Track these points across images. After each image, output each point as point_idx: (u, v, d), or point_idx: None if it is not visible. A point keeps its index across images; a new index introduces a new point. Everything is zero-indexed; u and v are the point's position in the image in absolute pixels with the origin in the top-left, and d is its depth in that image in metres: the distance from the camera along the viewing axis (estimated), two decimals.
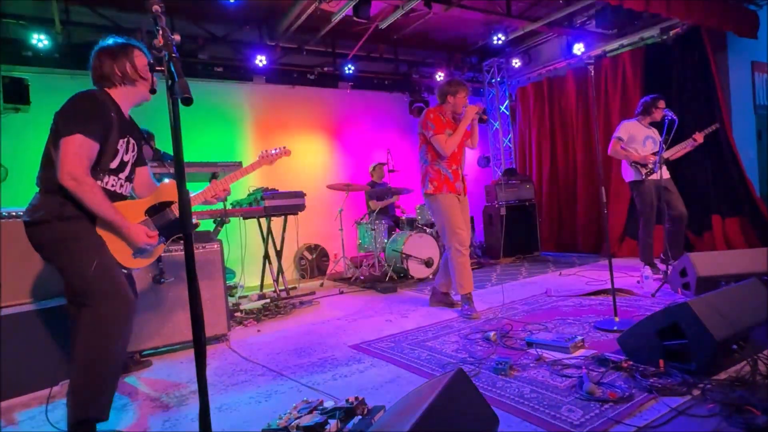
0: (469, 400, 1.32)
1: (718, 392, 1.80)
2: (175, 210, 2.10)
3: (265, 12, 5.52)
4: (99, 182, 1.86)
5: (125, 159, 1.98)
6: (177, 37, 1.21)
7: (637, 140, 4.27)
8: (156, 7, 1.26)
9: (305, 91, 6.43)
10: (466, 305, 3.43)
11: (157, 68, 1.18)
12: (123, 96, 1.99)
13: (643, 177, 4.20)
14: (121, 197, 1.99)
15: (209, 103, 5.71)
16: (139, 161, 2.16)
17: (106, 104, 1.88)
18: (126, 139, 1.98)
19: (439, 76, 7.04)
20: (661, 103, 4.26)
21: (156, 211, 2.06)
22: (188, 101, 1.11)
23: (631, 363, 2.10)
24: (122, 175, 1.99)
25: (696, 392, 1.82)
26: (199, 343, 1.16)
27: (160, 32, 1.17)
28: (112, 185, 1.94)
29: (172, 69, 1.12)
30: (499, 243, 6.08)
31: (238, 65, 5.79)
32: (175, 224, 2.10)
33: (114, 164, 1.92)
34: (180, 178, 1.13)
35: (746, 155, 5.10)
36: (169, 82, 1.11)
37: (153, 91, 1.45)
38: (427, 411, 1.20)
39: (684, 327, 1.97)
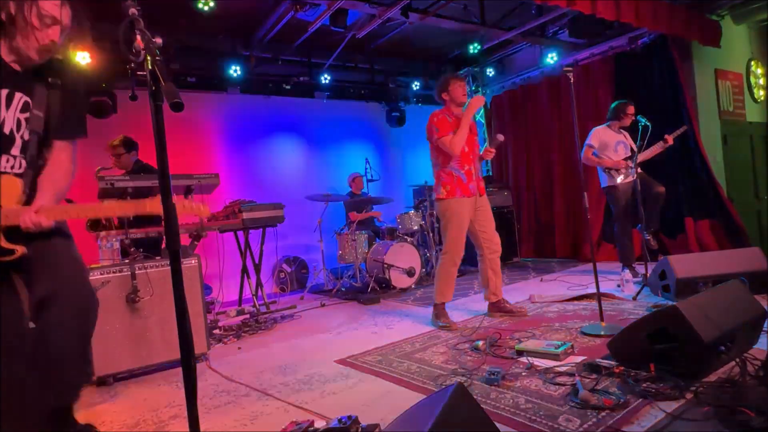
0: (471, 416, 1.27)
1: (710, 394, 1.81)
2: None
3: (240, 22, 5.41)
4: None
5: None
6: (159, 41, 1.12)
7: (609, 146, 4.35)
8: (132, 10, 1.14)
9: (281, 101, 6.34)
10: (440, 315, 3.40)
11: (139, 73, 1.09)
12: None
13: (617, 183, 4.28)
14: None
15: (182, 114, 5.54)
16: (54, 131, 1.58)
17: None
18: None
19: (416, 85, 7.08)
20: (630, 108, 4.36)
21: None
22: (178, 106, 1.02)
23: (622, 368, 2.09)
24: None
25: (689, 395, 1.82)
26: (188, 366, 1.08)
27: (139, 35, 1.08)
28: None
29: (156, 73, 1.03)
30: None
31: (211, 75, 5.65)
32: None
33: None
34: (165, 189, 1.05)
35: (713, 159, 5.28)
36: (153, 87, 1.03)
37: (133, 97, 1.31)
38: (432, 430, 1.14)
39: (673, 330, 1.98)
